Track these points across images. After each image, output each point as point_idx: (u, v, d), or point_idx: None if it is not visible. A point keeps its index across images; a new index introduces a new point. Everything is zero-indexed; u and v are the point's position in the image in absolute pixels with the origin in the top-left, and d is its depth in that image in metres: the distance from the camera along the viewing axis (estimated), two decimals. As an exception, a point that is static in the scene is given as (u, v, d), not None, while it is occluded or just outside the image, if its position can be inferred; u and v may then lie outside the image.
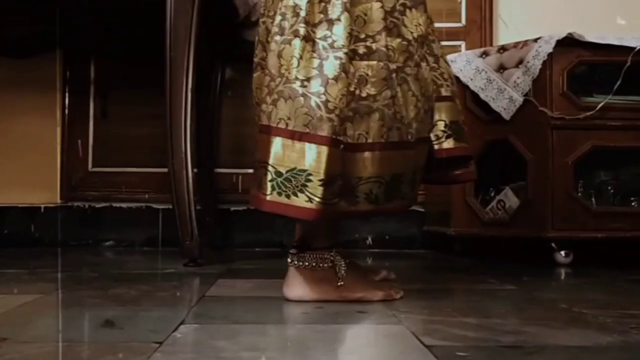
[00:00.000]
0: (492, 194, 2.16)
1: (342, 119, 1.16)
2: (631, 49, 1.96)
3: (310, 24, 1.18)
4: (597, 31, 2.04)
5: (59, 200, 2.61)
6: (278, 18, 1.21)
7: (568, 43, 1.98)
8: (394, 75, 1.21)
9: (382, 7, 1.20)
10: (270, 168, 1.16)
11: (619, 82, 1.95)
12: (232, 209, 2.57)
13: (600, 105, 1.97)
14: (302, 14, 1.18)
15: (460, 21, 2.66)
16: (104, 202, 2.60)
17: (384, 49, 1.19)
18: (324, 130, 1.14)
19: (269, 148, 1.17)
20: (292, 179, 1.14)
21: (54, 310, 1.22)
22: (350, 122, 1.17)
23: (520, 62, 2.03)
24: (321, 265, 1.24)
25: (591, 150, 1.98)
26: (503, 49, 2.11)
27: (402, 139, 1.22)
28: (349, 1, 1.18)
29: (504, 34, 2.63)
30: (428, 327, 1.03)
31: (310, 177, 1.13)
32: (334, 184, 1.15)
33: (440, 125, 1.31)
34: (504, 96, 2.04)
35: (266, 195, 1.16)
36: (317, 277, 1.25)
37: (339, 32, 1.17)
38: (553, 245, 1.98)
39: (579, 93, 2.00)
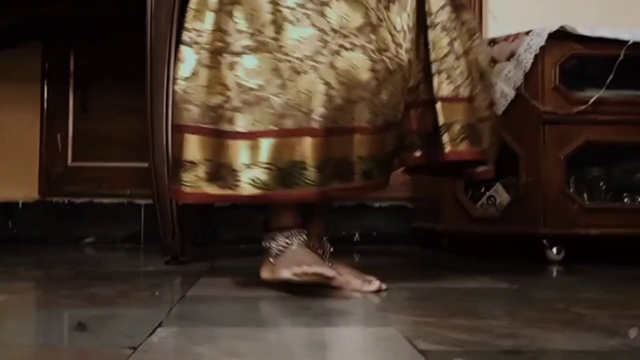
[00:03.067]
0: (483, 190, 2.11)
1: (203, 107, 1.25)
2: (624, 42, 1.91)
3: (189, 30, 1.30)
4: (588, 25, 2.00)
5: (37, 196, 2.54)
6: None
7: (560, 36, 1.94)
8: (285, 65, 1.26)
9: (270, 2, 1.28)
10: (174, 162, 1.31)
11: (611, 76, 1.91)
12: (216, 205, 2.50)
13: (592, 100, 1.92)
14: (185, 21, 1.31)
15: (449, 14, 2.60)
16: (84, 197, 2.53)
17: (272, 41, 1.27)
18: (183, 120, 1.27)
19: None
20: (176, 168, 1.28)
21: (24, 312, 1.16)
22: (240, 113, 1.26)
23: (512, 55, 1.99)
24: (268, 244, 1.36)
25: (583, 145, 1.94)
26: (494, 42, 2.06)
27: (301, 125, 1.24)
28: (217, 3, 1.28)
29: (494, 28, 2.59)
30: (420, 330, 0.97)
31: (178, 163, 1.27)
32: (196, 168, 1.25)
33: (456, 128, 1.36)
34: (495, 90, 2.00)
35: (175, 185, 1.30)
36: (274, 256, 1.34)
37: (203, 30, 1.28)
38: (544, 242, 1.94)
39: (571, 87, 1.96)
